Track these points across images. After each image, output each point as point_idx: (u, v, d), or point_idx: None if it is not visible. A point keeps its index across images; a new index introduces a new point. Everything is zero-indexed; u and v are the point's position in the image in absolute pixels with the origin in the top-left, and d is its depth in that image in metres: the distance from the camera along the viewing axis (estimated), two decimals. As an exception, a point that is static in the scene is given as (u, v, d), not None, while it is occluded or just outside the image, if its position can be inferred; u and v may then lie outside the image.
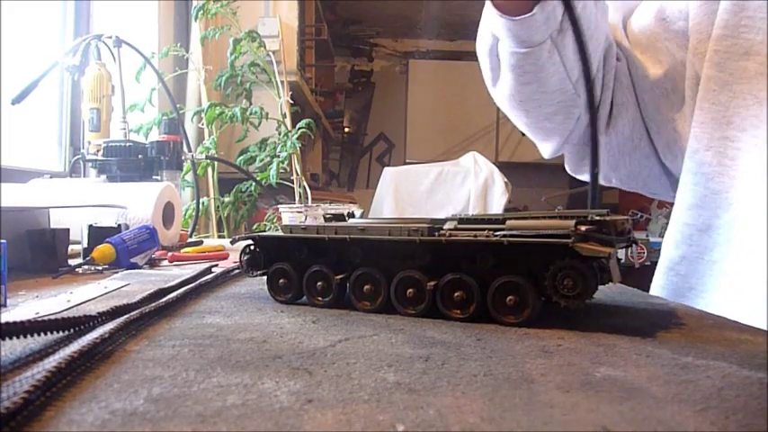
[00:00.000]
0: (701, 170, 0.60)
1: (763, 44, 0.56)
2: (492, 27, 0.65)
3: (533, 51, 0.63)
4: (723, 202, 0.58)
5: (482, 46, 0.70)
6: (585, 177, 0.76)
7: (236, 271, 0.62)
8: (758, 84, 0.56)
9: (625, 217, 0.44)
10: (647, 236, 2.72)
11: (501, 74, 0.69)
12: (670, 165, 0.71)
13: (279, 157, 1.85)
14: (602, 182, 0.78)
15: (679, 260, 0.63)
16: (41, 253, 0.67)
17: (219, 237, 1.89)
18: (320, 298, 0.46)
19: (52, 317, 0.32)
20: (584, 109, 0.68)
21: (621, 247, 0.43)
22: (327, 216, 0.52)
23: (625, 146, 0.73)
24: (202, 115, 1.87)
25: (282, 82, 1.99)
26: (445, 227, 0.43)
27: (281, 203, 1.62)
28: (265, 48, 1.96)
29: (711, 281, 0.59)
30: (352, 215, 0.56)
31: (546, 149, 0.79)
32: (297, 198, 1.91)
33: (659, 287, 0.65)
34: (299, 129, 1.87)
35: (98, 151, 1.09)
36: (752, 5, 0.57)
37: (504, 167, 2.56)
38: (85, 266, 0.68)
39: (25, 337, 0.30)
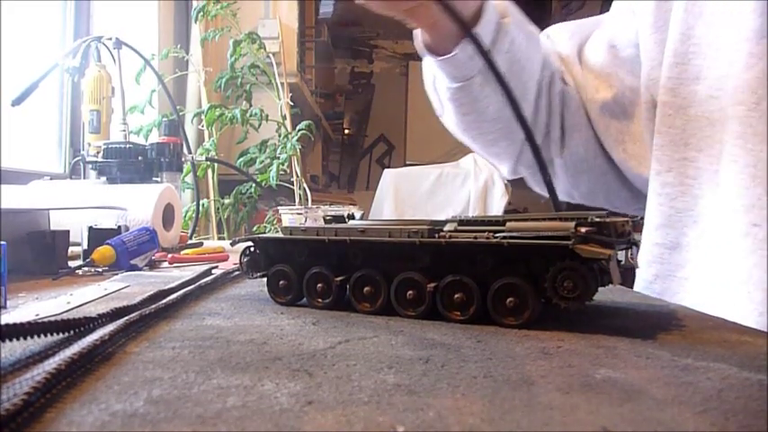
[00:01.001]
0: (665, 191, 0.63)
1: (711, 69, 0.59)
2: (427, 65, 0.70)
3: (465, 85, 0.68)
4: (689, 220, 0.60)
5: (426, 80, 0.75)
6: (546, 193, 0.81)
7: (236, 273, 0.62)
8: (709, 106, 0.59)
9: (625, 219, 0.44)
10: (646, 237, 2.70)
11: (443, 105, 0.74)
12: (630, 178, 0.75)
13: (279, 158, 1.85)
14: (566, 198, 0.82)
15: (653, 279, 0.65)
16: (41, 255, 0.67)
17: (219, 238, 1.89)
18: (320, 300, 0.46)
19: (52, 318, 0.32)
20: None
21: (622, 249, 0.43)
22: (327, 218, 0.52)
23: (581, 165, 0.77)
24: (202, 117, 1.87)
25: (282, 84, 1.99)
26: (445, 228, 0.43)
27: (281, 205, 1.62)
28: (265, 49, 1.96)
29: (685, 297, 0.60)
30: (352, 217, 0.56)
31: (503, 171, 0.84)
32: (297, 200, 1.91)
33: None
34: (299, 130, 1.87)
35: (98, 153, 1.09)
36: (697, 33, 0.60)
37: (504, 169, 2.55)
38: (85, 268, 0.68)
39: (25, 338, 0.30)
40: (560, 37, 0.79)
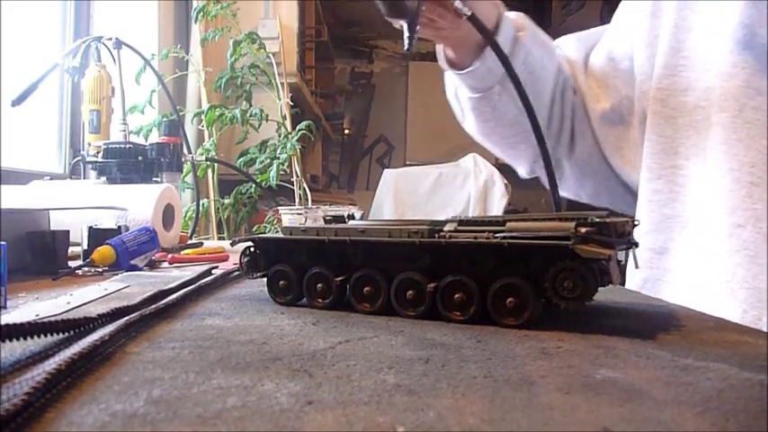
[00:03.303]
0: (655, 197, 0.65)
1: (699, 80, 0.62)
2: (449, 78, 0.76)
3: (485, 95, 0.73)
4: (677, 225, 0.63)
5: (448, 91, 0.81)
6: (563, 193, 0.86)
7: (236, 273, 0.62)
8: (696, 116, 0.61)
9: (625, 219, 0.44)
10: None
11: (465, 113, 0.80)
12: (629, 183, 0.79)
13: (279, 158, 1.85)
14: (574, 198, 0.88)
15: (642, 283, 0.67)
16: (41, 255, 0.67)
17: (219, 238, 1.89)
18: (320, 300, 0.46)
19: (52, 319, 0.32)
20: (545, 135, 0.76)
21: (621, 249, 0.43)
22: (327, 218, 0.52)
23: (586, 169, 0.81)
24: (202, 117, 1.87)
25: (282, 84, 1.99)
26: (445, 228, 0.43)
27: (281, 205, 1.62)
28: (265, 49, 1.96)
29: (673, 300, 0.61)
30: (352, 217, 0.56)
31: (521, 172, 0.90)
32: (297, 200, 1.91)
33: None
34: (299, 130, 1.87)
35: (98, 153, 1.09)
36: (687, 47, 0.63)
37: (504, 169, 2.55)
38: (85, 268, 0.68)
39: (25, 338, 0.30)
40: (568, 47, 0.83)
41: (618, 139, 0.75)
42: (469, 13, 0.62)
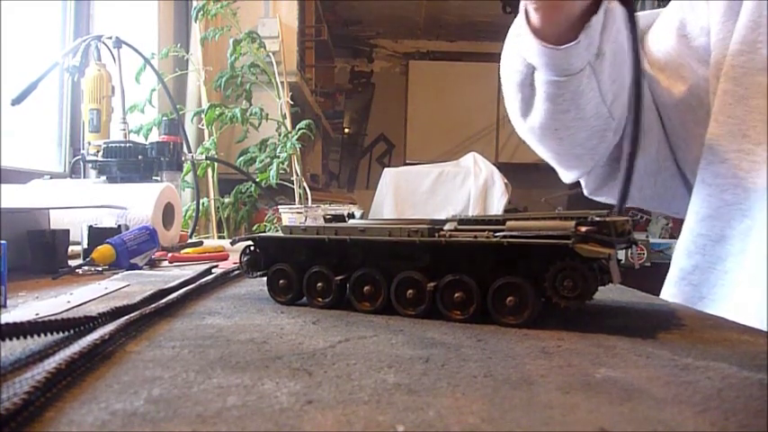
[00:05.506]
0: (716, 182, 0.61)
1: None
2: (529, 57, 0.64)
3: (573, 78, 0.63)
4: (737, 213, 0.59)
5: (512, 79, 0.69)
6: (602, 198, 0.78)
7: (237, 272, 0.62)
8: None
9: (625, 218, 0.44)
10: (647, 236, 2.71)
11: (534, 104, 0.69)
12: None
13: (279, 157, 1.85)
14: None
15: (692, 269, 0.63)
16: (41, 254, 0.67)
17: (219, 237, 1.89)
18: (320, 299, 0.46)
19: (52, 318, 0.32)
20: (615, 130, 0.68)
21: (621, 248, 0.43)
22: (327, 217, 0.52)
23: (651, 167, 0.73)
24: (202, 116, 1.87)
25: (282, 83, 1.99)
26: (445, 228, 0.43)
27: (281, 204, 1.62)
28: (265, 48, 1.96)
29: (723, 290, 0.60)
30: (352, 216, 0.56)
31: (570, 176, 0.80)
32: (297, 199, 1.91)
33: (670, 296, 0.65)
34: (299, 129, 1.87)
35: (98, 152, 1.09)
36: None
37: (504, 168, 2.56)
38: (85, 267, 0.68)
39: (25, 337, 0.30)
40: None
41: (697, 125, 0.67)
42: None
